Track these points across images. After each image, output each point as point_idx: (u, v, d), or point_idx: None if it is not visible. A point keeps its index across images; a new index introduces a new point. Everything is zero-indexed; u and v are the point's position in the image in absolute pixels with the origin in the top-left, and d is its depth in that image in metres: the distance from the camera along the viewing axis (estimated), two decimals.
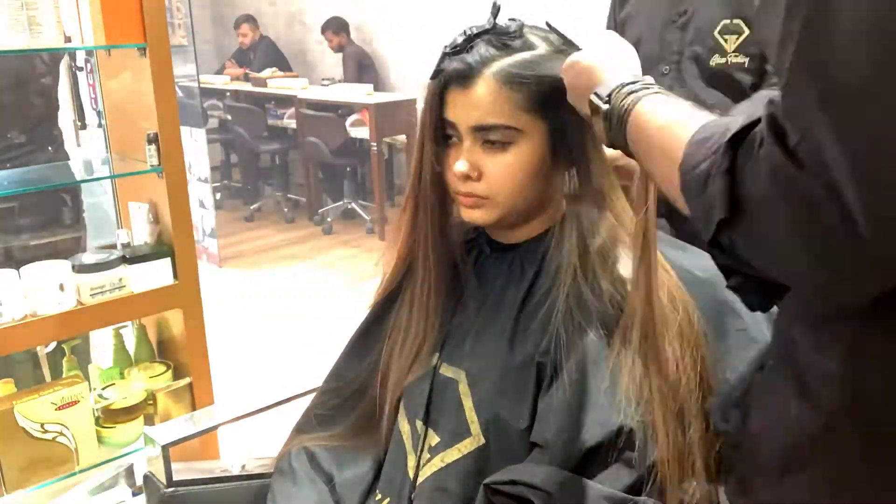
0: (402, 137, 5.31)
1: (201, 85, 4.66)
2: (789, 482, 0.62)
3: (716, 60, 1.30)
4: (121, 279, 1.70)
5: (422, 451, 0.98)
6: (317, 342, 3.28)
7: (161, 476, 1.19)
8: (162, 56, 1.67)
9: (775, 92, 0.53)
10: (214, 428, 1.35)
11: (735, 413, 0.75)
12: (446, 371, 0.98)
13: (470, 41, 0.90)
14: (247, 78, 6.03)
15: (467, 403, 0.94)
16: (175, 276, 1.78)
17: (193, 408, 1.84)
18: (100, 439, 1.74)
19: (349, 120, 5.22)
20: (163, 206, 1.77)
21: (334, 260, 4.78)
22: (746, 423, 0.71)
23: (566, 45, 0.91)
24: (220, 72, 6.36)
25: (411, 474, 0.98)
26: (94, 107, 2.25)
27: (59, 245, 2.11)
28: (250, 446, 1.42)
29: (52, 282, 1.62)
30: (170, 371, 1.86)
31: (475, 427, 0.92)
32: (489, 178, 0.91)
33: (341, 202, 5.50)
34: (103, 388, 1.79)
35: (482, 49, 0.89)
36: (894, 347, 0.55)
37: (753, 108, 0.56)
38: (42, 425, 1.59)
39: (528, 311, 0.93)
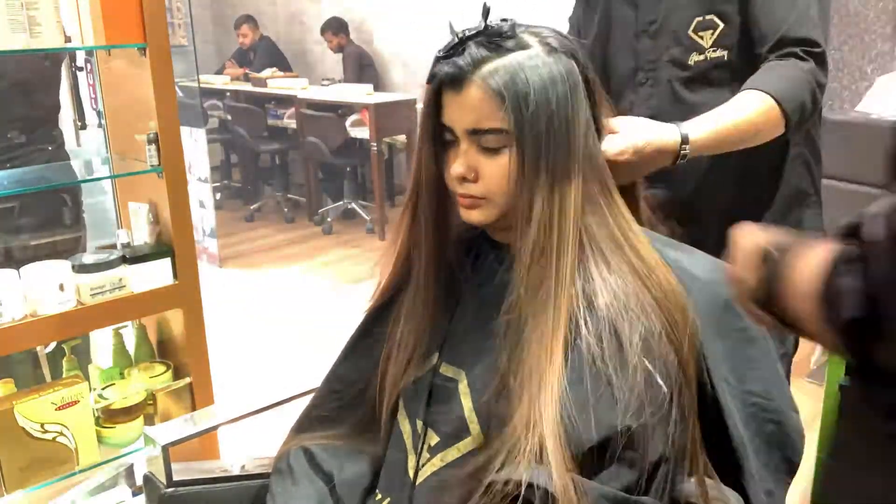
0: (402, 137, 5.31)
1: (201, 85, 4.66)
2: None
3: (695, 58, 1.31)
4: (121, 279, 1.70)
5: (421, 450, 0.98)
6: (317, 342, 3.28)
7: (161, 476, 1.19)
8: (162, 56, 1.67)
9: None
10: (214, 428, 1.35)
11: None
12: (446, 371, 0.98)
13: (461, 44, 0.90)
14: (247, 78, 6.03)
15: (467, 403, 0.94)
16: (175, 276, 1.78)
17: (193, 408, 1.84)
18: (100, 439, 1.74)
19: (349, 120, 5.22)
20: (163, 206, 1.77)
21: (334, 260, 4.78)
22: None
23: (560, 45, 0.91)
24: (219, 72, 6.36)
25: (411, 474, 0.98)
26: (94, 107, 2.25)
27: (59, 245, 2.11)
28: (250, 446, 1.42)
29: (52, 282, 1.62)
30: (170, 371, 1.86)
31: (475, 426, 0.93)
32: (486, 180, 0.91)
33: (341, 202, 5.50)
34: (103, 388, 1.79)
35: (473, 51, 0.89)
36: None
37: None
38: (42, 425, 1.59)
39: None
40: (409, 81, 5.69)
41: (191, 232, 1.80)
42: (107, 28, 1.61)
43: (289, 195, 5.90)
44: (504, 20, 0.91)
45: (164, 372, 1.85)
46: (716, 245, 0.87)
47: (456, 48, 0.90)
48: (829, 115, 3.04)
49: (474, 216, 0.94)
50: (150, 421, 1.80)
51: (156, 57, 1.66)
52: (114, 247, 1.81)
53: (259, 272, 4.65)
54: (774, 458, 0.95)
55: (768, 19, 1.24)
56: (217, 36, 7.23)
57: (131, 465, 1.64)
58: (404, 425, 1.01)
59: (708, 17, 1.28)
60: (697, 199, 1.33)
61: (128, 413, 1.76)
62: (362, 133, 5.15)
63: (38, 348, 1.91)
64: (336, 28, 5.74)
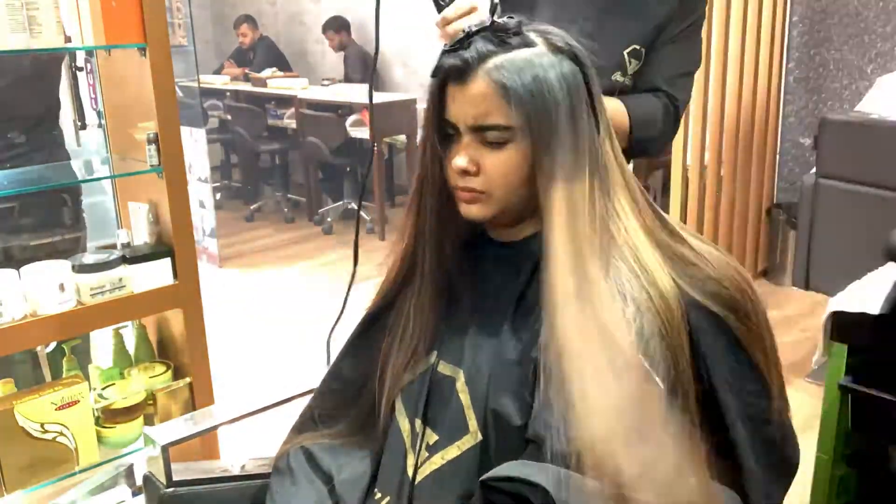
0: (402, 137, 5.31)
1: (201, 85, 4.66)
2: None
3: (617, 77, 1.36)
4: (121, 279, 1.70)
5: (420, 449, 0.98)
6: (317, 342, 3.28)
7: (161, 476, 1.19)
8: (162, 56, 1.67)
9: None
10: (214, 428, 1.35)
11: None
12: (444, 369, 0.98)
13: (468, 38, 0.90)
14: (247, 78, 6.03)
15: (465, 401, 0.94)
16: (175, 276, 1.78)
17: (193, 408, 1.84)
18: (100, 439, 1.74)
19: (349, 120, 5.22)
20: (163, 206, 1.77)
21: (334, 260, 4.77)
22: None
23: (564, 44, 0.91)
24: (218, 71, 6.36)
25: (410, 472, 0.98)
26: (94, 107, 2.25)
27: (59, 245, 2.11)
28: (250, 446, 1.42)
29: (52, 282, 1.62)
30: (170, 371, 1.87)
31: (473, 424, 0.93)
32: (487, 174, 0.91)
33: (341, 202, 5.50)
34: (103, 388, 1.79)
35: (479, 45, 0.89)
36: None
37: None
38: (42, 425, 1.59)
39: (525, 308, 0.93)
40: (409, 81, 5.69)
41: (191, 232, 1.80)
42: (107, 28, 1.61)
43: (289, 195, 5.90)
44: (510, 17, 0.91)
45: (164, 372, 1.85)
46: None
47: (462, 42, 0.90)
48: (829, 115, 3.04)
49: (473, 211, 0.94)
50: (150, 421, 1.80)
51: (156, 57, 1.67)
52: (114, 247, 1.81)
53: (259, 272, 4.65)
54: (774, 458, 0.95)
55: (660, 69, 1.39)
56: (217, 36, 7.22)
57: (131, 465, 1.64)
58: (403, 424, 1.01)
59: (640, 48, 1.37)
60: None
61: (128, 413, 1.76)
62: (362, 133, 5.15)
63: (38, 348, 1.91)
64: (337, 26, 5.73)
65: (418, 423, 0.99)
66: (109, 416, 1.75)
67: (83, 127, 2.32)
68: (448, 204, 0.98)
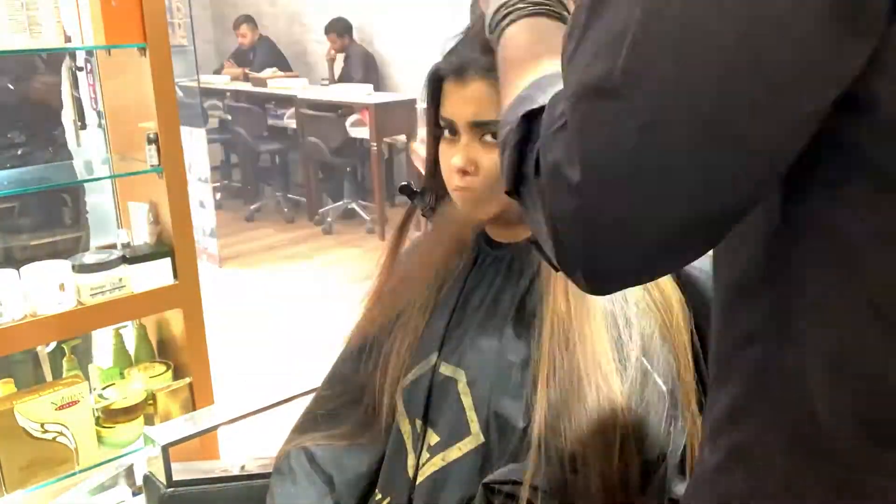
0: (402, 137, 5.30)
1: (201, 85, 4.66)
2: None
3: None
4: (121, 279, 1.70)
5: (421, 450, 0.98)
6: (317, 342, 3.28)
7: (161, 476, 1.19)
8: (162, 56, 1.67)
9: None
10: (214, 428, 1.35)
11: None
12: (445, 370, 0.98)
13: (468, 36, 0.90)
14: (247, 78, 6.03)
15: (467, 402, 0.94)
16: (175, 276, 1.78)
17: (193, 408, 1.84)
18: (100, 439, 1.74)
19: (349, 120, 5.22)
20: (163, 206, 1.77)
21: (334, 260, 4.77)
22: None
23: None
24: (218, 71, 6.36)
25: (411, 473, 0.98)
26: (94, 107, 2.25)
27: (59, 245, 2.11)
28: (250, 446, 1.42)
29: (53, 282, 1.62)
30: (170, 371, 1.87)
31: (475, 426, 0.93)
32: (486, 173, 0.91)
33: (341, 202, 5.50)
34: (103, 388, 1.79)
35: (479, 43, 0.89)
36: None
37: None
38: (42, 425, 1.59)
39: (527, 308, 0.93)
40: (409, 81, 5.68)
41: (191, 232, 1.80)
42: (107, 28, 1.61)
43: (289, 195, 5.90)
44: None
45: (164, 372, 1.85)
46: None
47: (462, 40, 0.90)
48: None
49: (472, 211, 0.94)
50: (150, 421, 1.80)
51: (156, 57, 1.67)
52: (114, 247, 1.81)
53: (259, 272, 4.65)
54: None
55: None
56: (217, 36, 7.22)
57: (131, 465, 1.64)
58: (403, 425, 1.01)
59: None
60: None
61: (128, 413, 1.76)
62: (362, 133, 5.15)
63: (38, 348, 1.91)
64: (340, 30, 5.73)
65: (419, 423, 0.99)
66: (109, 416, 1.75)
67: (83, 127, 2.32)
68: (448, 203, 0.98)
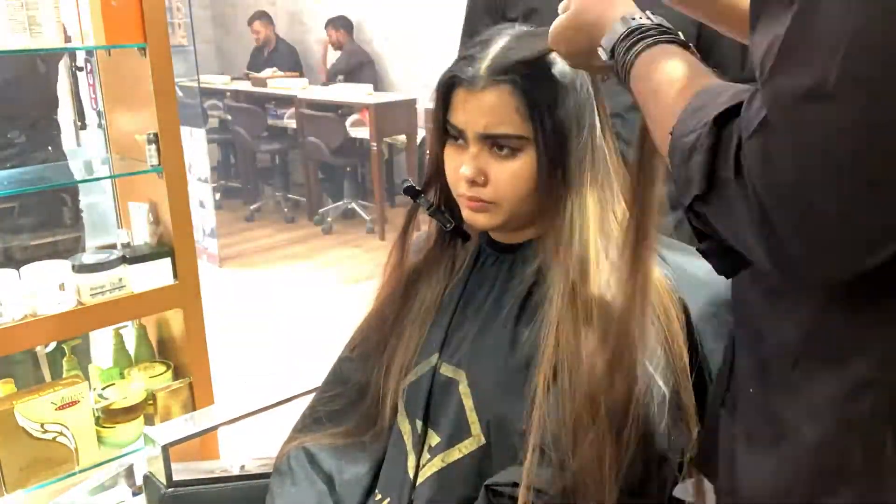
0: (402, 137, 5.30)
1: (201, 85, 4.66)
2: None
3: None
4: (121, 279, 1.70)
5: (422, 451, 0.98)
6: (317, 342, 3.28)
7: (161, 476, 1.19)
8: (162, 56, 1.68)
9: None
10: (214, 428, 1.35)
11: None
12: (446, 371, 0.98)
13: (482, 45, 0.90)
14: (247, 77, 6.02)
15: (468, 403, 0.94)
16: (175, 276, 1.78)
17: (193, 408, 1.84)
18: (100, 439, 1.74)
19: (349, 120, 5.22)
20: (163, 206, 1.77)
21: (334, 260, 4.77)
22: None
23: None
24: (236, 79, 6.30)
25: (411, 474, 0.98)
26: (94, 107, 2.25)
27: (58, 245, 2.11)
28: (250, 446, 1.42)
29: (52, 282, 1.62)
30: (170, 371, 1.87)
31: (476, 427, 0.92)
32: (496, 184, 0.90)
33: (341, 202, 5.50)
34: (103, 388, 1.79)
35: (495, 52, 0.89)
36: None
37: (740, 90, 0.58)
38: (42, 425, 1.59)
39: (528, 311, 0.93)
40: (409, 81, 5.68)
41: (191, 232, 1.80)
42: (107, 28, 1.61)
43: (289, 195, 5.90)
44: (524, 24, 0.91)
45: (164, 372, 1.85)
46: None
47: (477, 49, 0.90)
48: None
49: (480, 220, 0.94)
50: (150, 421, 1.80)
51: (156, 57, 1.67)
52: (114, 247, 1.81)
53: (259, 272, 4.65)
54: None
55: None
56: (217, 36, 7.22)
57: (131, 465, 1.64)
58: (404, 425, 1.01)
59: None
60: None
61: (128, 413, 1.76)
62: (362, 133, 5.15)
63: (38, 348, 1.91)
64: (339, 25, 5.75)
65: (420, 424, 0.99)
66: (109, 416, 1.75)
67: (83, 127, 2.32)
68: (451, 206, 0.98)
